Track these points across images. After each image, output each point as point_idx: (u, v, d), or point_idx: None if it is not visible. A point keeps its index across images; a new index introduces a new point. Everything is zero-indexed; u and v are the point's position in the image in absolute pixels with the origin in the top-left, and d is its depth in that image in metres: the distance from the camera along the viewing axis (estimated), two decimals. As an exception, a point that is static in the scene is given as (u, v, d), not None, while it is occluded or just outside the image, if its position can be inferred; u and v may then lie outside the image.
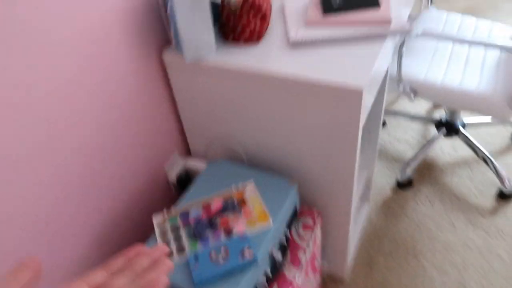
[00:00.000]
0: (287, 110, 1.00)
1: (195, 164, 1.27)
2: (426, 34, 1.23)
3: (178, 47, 1.01)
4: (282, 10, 1.16)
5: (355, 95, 0.88)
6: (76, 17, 0.84)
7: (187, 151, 1.34)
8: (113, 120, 1.01)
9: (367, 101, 0.98)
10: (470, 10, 2.68)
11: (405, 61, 1.47)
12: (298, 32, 1.03)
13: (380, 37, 1.00)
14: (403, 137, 1.93)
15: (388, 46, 1.09)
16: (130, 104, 1.05)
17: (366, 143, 1.47)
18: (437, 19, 1.66)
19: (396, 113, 2.01)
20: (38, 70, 0.79)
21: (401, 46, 1.29)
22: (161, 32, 1.08)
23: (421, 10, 1.76)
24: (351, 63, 0.94)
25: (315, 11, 1.05)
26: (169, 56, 1.06)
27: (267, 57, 0.99)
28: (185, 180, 1.31)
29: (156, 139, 1.18)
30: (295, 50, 1.00)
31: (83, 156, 0.95)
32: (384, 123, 2.01)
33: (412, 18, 1.66)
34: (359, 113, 0.91)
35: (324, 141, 1.02)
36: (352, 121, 0.94)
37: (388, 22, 1.01)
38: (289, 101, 0.98)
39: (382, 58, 1.03)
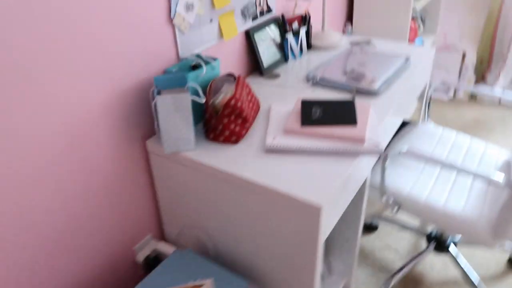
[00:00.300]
0: (253, 211, 1.02)
1: (166, 248, 1.27)
2: (409, 154, 1.25)
3: (160, 138, 1.07)
4: (269, 112, 1.22)
5: (314, 211, 0.90)
6: (61, 113, 0.92)
7: (162, 235, 1.35)
8: (90, 198, 1.04)
9: (330, 217, 0.98)
10: (478, 122, 2.72)
11: (391, 172, 1.48)
12: (275, 138, 1.07)
13: (352, 154, 1.03)
14: (393, 245, 1.87)
15: (363, 162, 1.12)
16: (110, 185, 1.09)
17: (344, 250, 1.44)
18: (432, 134, 1.69)
19: (388, 219, 1.98)
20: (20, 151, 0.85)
21: (384, 160, 1.32)
22: (149, 121, 1.16)
23: (419, 122, 1.80)
24: (318, 178, 0.96)
25: (294, 121, 1.11)
26: (152, 145, 1.12)
27: (240, 160, 1.03)
28: (154, 262, 1.30)
29: (131, 219, 1.20)
30: (268, 156, 1.04)
31: (50, 226, 0.97)
32: (376, 227, 1.97)
33: (405, 131, 1.70)
34: (318, 228, 0.92)
35: (286, 248, 1.01)
36: (311, 234, 0.94)
37: (361, 141, 1.04)
38: (254, 204, 1.00)
39: (354, 173, 1.05)
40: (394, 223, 1.98)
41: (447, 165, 1.20)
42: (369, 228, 1.98)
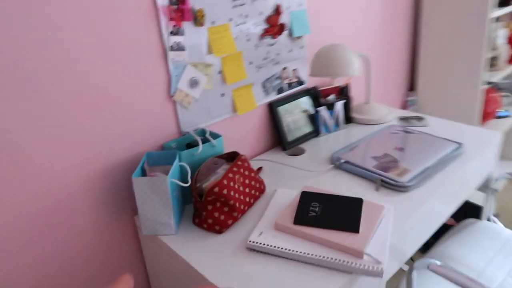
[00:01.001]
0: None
1: (152, 330, 1.19)
2: (440, 272, 1.01)
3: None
4: (269, 199, 1.10)
5: None
6: (46, 183, 0.92)
7: (155, 310, 1.27)
8: (75, 266, 1.02)
9: None
10: None
11: (425, 281, 1.21)
12: (261, 235, 0.94)
13: (343, 271, 0.85)
14: None
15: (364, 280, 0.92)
16: (97, 254, 1.06)
17: None
18: (495, 236, 1.37)
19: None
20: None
21: (410, 272, 1.08)
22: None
23: (483, 216, 1.49)
24: (291, 295, 0.80)
25: (288, 215, 0.96)
26: (139, 221, 1.07)
27: (216, 255, 0.92)
28: None
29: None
30: (249, 255, 0.91)
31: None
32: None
33: (459, 228, 1.41)
34: None
35: None
36: None
37: (359, 255, 0.86)
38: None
39: (346, 294, 0.86)
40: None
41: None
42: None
